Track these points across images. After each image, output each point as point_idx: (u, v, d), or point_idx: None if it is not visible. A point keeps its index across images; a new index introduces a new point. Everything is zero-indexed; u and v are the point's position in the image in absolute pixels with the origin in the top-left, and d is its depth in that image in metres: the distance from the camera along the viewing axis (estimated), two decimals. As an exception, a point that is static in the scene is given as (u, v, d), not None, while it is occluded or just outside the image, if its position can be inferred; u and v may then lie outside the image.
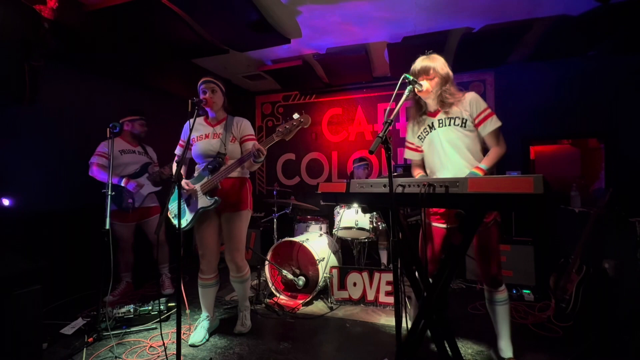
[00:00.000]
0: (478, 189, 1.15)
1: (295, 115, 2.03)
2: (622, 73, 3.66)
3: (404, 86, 1.56)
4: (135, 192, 2.91)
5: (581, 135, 4.29)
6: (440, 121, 1.78)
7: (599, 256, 2.41)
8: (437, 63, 1.75)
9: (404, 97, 1.53)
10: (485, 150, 1.78)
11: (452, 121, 1.74)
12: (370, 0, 2.78)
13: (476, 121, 1.71)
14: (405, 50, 3.55)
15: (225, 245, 2.24)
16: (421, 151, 1.93)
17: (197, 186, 2.12)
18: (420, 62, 1.78)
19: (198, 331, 2.23)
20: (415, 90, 1.68)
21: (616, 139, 3.75)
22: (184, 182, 2.11)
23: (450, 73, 1.78)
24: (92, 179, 2.81)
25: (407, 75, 1.55)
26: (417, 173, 1.96)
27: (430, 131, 1.82)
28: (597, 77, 3.78)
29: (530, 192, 1.02)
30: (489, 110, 1.71)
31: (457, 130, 1.73)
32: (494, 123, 1.69)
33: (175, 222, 2.18)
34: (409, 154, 2.00)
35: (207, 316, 2.29)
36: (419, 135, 1.89)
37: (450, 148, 1.75)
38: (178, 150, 2.27)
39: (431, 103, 1.83)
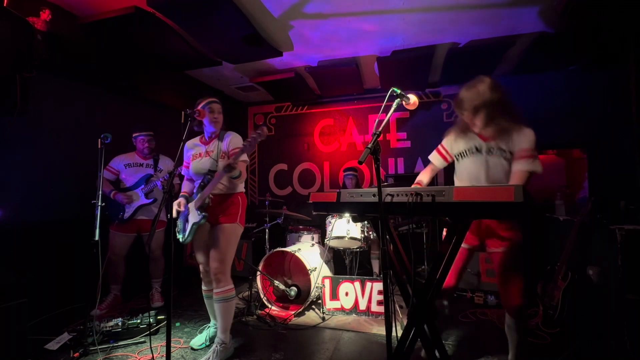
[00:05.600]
0: (463, 197, 1.19)
1: (259, 131, 2.05)
2: (602, 86, 3.83)
3: (392, 98, 1.61)
4: (124, 203, 2.94)
5: (565, 146, 4.43)
6: (491, 150, 1.74)
7: (584, 263, 2.48)
8: (478, 94, 1.68)
9: (392, 109, 1.58)
10: None
11: (501, 152, 1.70)
12: (360, 15, 2.88)
13: (517, 154, 1.66)
14: (395, 64, 3.66)
15: (210, 254, 2.18)
16: (448, 161, 1.94)
17: (191, 204, 2.16)
18: (464, 93, 1.72)
19: (201, 335, 2.34)
20: (403, 103, 1.73)
21: (598, 150, 3.89)
22: (177, 202, 2.15)
23: (500, 96, 1.68)
24: (81, 190, 2.80)
25: (395, 89, 1.60)
26: (425, 177, 1.96)
27: (476, 153, 1.78)
28: (579, 90, 3.94)
29: (511, 200, 1.07)
30: (533, 152, 1.63)
31: (501, 162, 1.71)
32: (531, 165, 1.60)
33: (179, 236, 2.23)
34: (435, 158, 1.98)
35: (215, 324, 2.34)
36: (462, 152, 1.84)
37: (487, 174, 1.73)
38: (184, 172, 2.33)
39: (481, 127, 1.73)
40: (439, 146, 1.99)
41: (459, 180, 1.88)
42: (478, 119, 1.69)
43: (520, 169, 1.62)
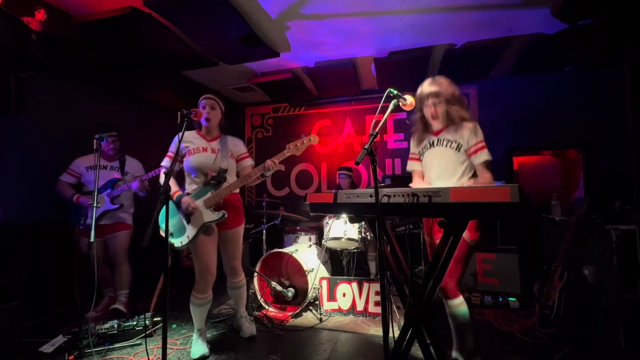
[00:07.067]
0: (459, 198, 1.20)
1: (305, 135, 2.24)
2: (597, 87, 3.86)
3: (389, 99, 1.62)
4: (87, 207, 2.68)
5: (561, 147, 4.46)
6: (439, 141, 1.88)
7: (580, 263, 2.49)
8: (442, 87, 1.83)
9: (389, 110, 1.58)
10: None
11: (449, 143, 1.84)
12: (357, 16, 2.88)
13: (470, 150, 1.80)
14: (392, 65, 3.67)
15: (228, 256, 2.32)
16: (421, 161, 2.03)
17: (200, 201, 2.11)
18: (428, 87, 1.86)
19: (200, 345, 2.18)
20: (400, 104, 1.73)
21: (593, 150, 3.92)
22: (188, 199, 2.06)
23: (457, 92, 1.85)
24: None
25: (392, 90, 1.60)
26: (416, 182, 2.03)
27: (430, 148, 1.92)
28: (575, 91, 3.97)
29: (507, 200, 1.07)
30: (483, 143, 1.80)
31: (451, 152, 1.82)
32: (484, 155, 1.78)
33: (175, 240, 2.12)
34: (411, 165, 2.07)
35: (202, 330, 2.26)
36: (420, 151, 2.00)
37: (443, 167, 1.85)
38: (166, 162, 2.20)
39: (434, 123, 1.90)
40: (410, 153, 2.09)
41: (427, 177, 1.99)
42: (440, 108, 1.83)
43: (482, 160, 1.78)
